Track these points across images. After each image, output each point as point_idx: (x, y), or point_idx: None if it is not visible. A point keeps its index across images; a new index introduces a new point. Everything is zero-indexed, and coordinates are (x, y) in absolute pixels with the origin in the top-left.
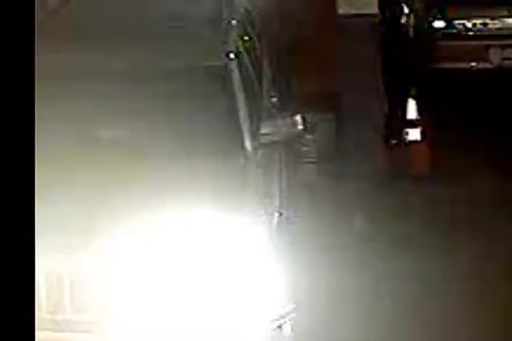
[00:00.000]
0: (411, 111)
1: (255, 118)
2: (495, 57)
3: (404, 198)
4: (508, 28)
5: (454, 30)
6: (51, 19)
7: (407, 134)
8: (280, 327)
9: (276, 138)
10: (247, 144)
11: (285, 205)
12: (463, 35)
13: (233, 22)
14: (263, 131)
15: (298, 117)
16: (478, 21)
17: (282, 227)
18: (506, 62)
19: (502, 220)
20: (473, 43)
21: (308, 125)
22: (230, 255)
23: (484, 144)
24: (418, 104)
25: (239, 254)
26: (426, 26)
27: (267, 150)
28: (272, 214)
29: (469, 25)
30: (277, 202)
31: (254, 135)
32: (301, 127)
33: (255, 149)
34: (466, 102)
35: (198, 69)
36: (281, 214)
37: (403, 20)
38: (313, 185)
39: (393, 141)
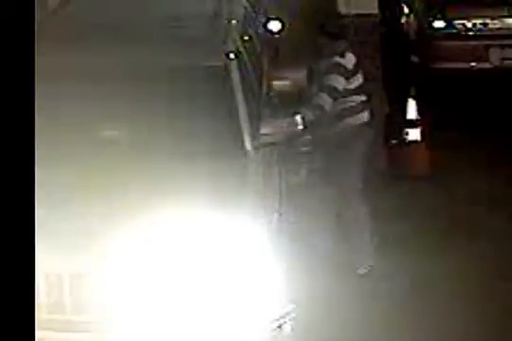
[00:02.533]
0: (411, 111)
1: (255, 118)
2: (495, 57)
3: (403, 198)
4: (508, 28)
5: (454, 30)
6: (51, 19)
7: (407, 134)
8: (280, 327)
9: (276, 138)
10: (247, 144)
11: (285, 205)
12: (463, 35)
13: (233, 22)
14: (263, 131)
15: (298, 117)
16: (478, 21)
17: (281, 227)
18: (506, 62)
19: (501, 220)
20: (473, 43)
21: (308, 125)
22: (230, 255)
23: (484, 144)
24: (418, 104)
25: (238, 254)
26: (426, 26)
27: (267, 150)
28: (272, 214)
29: (469, 25)
30: (277, 202)
31: (254, 135)
32: (301, 127)
33: (255, 149)
34: (466, 102)
35: (198, 69)
36: (280, 214)
37: (403, 20)
38: (313, 185)
39: (393, 141)
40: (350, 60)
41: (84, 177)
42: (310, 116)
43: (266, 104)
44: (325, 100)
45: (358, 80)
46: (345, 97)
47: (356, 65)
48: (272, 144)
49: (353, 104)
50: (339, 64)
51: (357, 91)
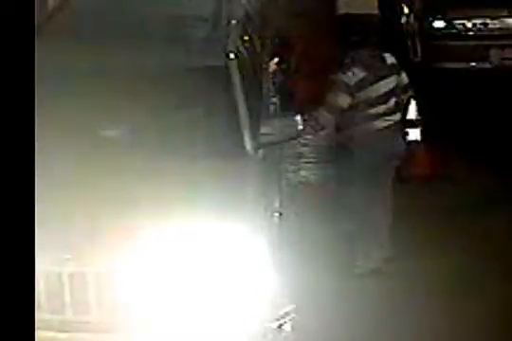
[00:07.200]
0: (411, 111)
1: (255, 118)
2: (495, 57)
3: (403, 198)
4: (508, 28)
5: (454, 30)
6: (51, 19)
7: (407, 134)
8: (280, 327)
9: (276, 138)
10: (248, 144)
11: (285, 205)
12: (463, 35)
13: (233, 22)
14: (263, 131)
15: (298, 117)
16: (478, 21)
17: (282, 227)
18: (506, 62)
19: (500, 221)
20: (473, 43)
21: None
22: (230, 255)
23: (484, 144)
24: (418, 104)
25: (239, 254)
26: (426, 26)
27: (267, 150)
28: (272, 214)
29: (469, 25)
30: (277, 202)
31: (254, 135)
32: (301, 127)
33: (255, 149)
34: (466, 102)
35: (198, 69)
36: (281, 214)
37: (403, 20)
38: (313, 185)
39: None
40: (354, 75)
41: (86, 176)
42: (313, 132)
43: (267, 104)
44: (326, 118)
45: (367, 94)
46: (357, 111)
47: (363, 80)
48: (273, 144)
49: (366, 116)
50: (341, 82)
51: (383, 99)
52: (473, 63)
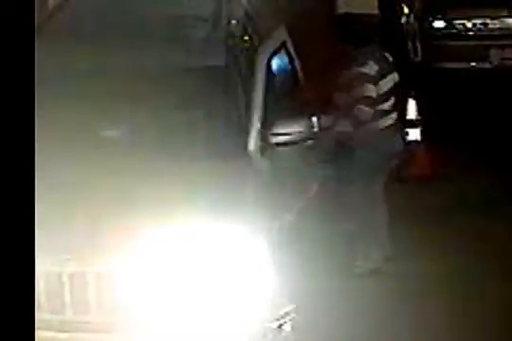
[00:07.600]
0: (411, 111)
1: (255, 119)
2: (495, 57)
3: (403, 198)
4: (508, 28)
5: (454, 30)
6: (51, 19)
7: (407, 134)
8: (280, 327)
9: (290, 139)
10: (251, 144)
11: (286, 205)
12: (463, 35)
13: (233, 22)
14: (275, 131)
15: (314, 119)
16: (478, 21)
17: (282, 228)
18: (506, 62)
19: (500, 221)
20: (473, 43)
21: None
22: (230, 256)
23: (483, 144)
24: (418, 104)
25: (240, 255)
26: (426, 26)
27: (271, 150)
28: (273, 215)
29: (469, 25)
30: (278, 202)
31: (258, 136)
32: (316, 129)
33: (260, 149)
34: (466, 102)
35: (198, 69)
36: (282, 215)
37: (403, 20)
38: (313, 185)
39: None
40: (371, 67)
41: (86, 177)
42: (350, 128)
43: (273, 104)
44: (366, 112)
45: (382, 88)
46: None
47: (377, 74)
48: (286, 144)
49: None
50: (363, 73)
51: (385, 97)
52: (473, 63)
